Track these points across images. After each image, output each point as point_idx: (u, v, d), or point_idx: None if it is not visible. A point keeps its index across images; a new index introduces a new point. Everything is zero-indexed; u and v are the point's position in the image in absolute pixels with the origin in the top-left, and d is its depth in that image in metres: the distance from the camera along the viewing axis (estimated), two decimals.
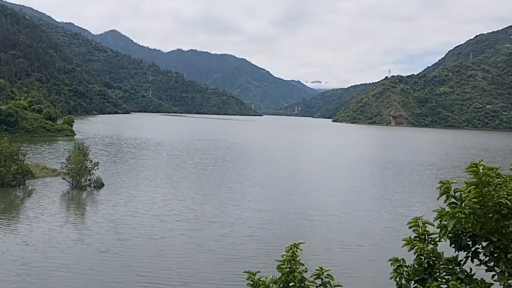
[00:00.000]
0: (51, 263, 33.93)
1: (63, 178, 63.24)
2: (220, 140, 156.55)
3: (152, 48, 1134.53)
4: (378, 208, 57.45)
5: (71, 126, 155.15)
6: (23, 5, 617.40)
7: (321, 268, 5.50)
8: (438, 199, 5.67)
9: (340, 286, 5.44)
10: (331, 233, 44.69)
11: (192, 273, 32.42)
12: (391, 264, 5.48)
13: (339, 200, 60.96)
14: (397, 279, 5.42)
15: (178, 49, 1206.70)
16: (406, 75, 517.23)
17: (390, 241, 40.67)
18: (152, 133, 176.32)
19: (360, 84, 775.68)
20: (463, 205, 5.24)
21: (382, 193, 69.07)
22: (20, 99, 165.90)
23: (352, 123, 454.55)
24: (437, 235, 5.45)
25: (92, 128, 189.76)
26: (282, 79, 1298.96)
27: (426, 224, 5.60)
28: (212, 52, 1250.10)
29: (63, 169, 63.72)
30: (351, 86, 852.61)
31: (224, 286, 30.25)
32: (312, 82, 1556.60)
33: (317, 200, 60.25)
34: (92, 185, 63.25)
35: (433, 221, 5.53)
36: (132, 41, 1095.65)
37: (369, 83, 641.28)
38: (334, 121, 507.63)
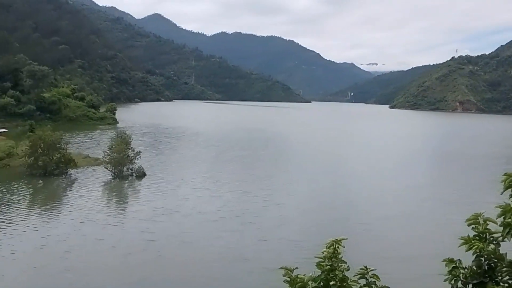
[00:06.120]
0: (87, 252, 35.28)
1: (105, 167, 65.45)
2: (262, 130, 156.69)
3: (195, 32, 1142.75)
4: (435, 205, 55.82)
5: (114, 114, 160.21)
6: None
7: (366, 267, 5.30)
8: (502, 193, 5.30)
9: (387, 287, 5.23)
10: (379, 232, 43.72)
11: (226, 286, 31.17)
12: (446, 265, 5.20)
13: (392, 198, 59.60)
14: (452, 281, 5.14)
15: (222, 32, 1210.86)
16: (476, 55, 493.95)
17: (445, 240, 38.63)
18: (194, 122, 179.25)
19: (422, 66, 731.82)
20: None
21: (442, 190, 67.06)
22: (63, 87, 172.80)
23: (412, 109, 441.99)
24: (500, 234, 5.12)
25: (134, 116, 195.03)
26: (333, 61, 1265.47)
27: (487, 222, 5.28)
28: (258, 35, 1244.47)
29: (105, 158, 65.96)
30: (412, 69, 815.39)
31: None
32: (367, 65, 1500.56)
33: (368, 198, 58.72)
34: (134, 175, 65.10)
35: (496, 219, 5.19)
36: (175, 25, 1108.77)
37: (433, 65, 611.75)
38: (391, 107, 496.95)
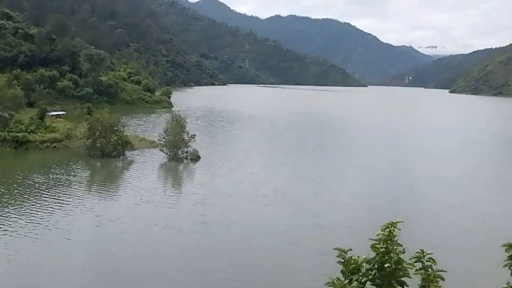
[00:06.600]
0: (143, 235, 36.67)
1: (161, 150, 67.31)
2: (317, 114, 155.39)
3: (249, 15, 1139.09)
4: (498, 194, 53.80)
5: (169, 97, 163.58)
6: None
7: (422, 250, 5.29)
8: None
9: (444, 271, 5.21)
10: (437, 219, 42.74)
11: (279, 270, 31.49)
12: (506, 251, 5.12)
13: (453, 185, 57.85)
14: None
15: (276, 15, 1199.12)
16: None
17: (506, 229, 36.53)
18: (248, 106, 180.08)
19: (484, 49, 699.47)
20: None
21: (506, 178, 64.45)
22: (119, 70, 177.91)
23: (473, 94, 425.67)
24: None
25: (188, 100, 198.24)
26: (391, 44, 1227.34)
27: None
28: (313, 17, 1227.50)
29: (161, 141, 67.82)
30: (473, 52, 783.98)
31: None
32: (426, 48, 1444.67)
33: (428, 185, 57.47)
34: (189, 158, 66.62)
35: None
36: (229, 8, 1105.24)
37: (495, 48, 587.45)
38: (451, 92, 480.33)
